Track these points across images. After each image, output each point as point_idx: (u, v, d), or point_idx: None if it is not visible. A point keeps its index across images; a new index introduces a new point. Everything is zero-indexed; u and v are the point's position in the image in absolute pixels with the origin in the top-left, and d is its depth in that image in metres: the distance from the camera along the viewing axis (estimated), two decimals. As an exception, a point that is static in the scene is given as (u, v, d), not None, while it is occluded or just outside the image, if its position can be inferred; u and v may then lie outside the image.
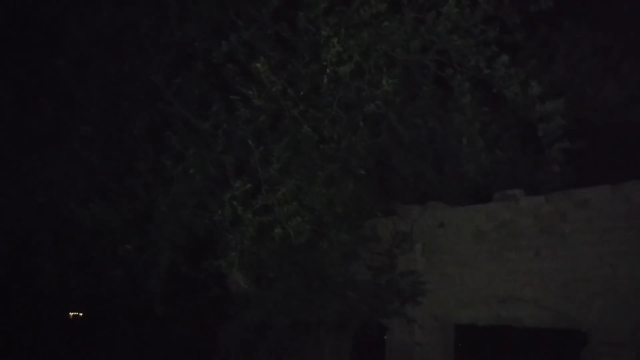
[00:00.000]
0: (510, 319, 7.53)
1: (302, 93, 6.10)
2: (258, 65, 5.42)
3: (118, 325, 8.64)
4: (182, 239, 5.68)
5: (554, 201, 7.34)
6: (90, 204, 5.05)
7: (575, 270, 6.95)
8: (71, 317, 10.92)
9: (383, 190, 8.52)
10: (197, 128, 6.10)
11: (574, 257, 6.99)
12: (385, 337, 8.88)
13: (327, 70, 5.36)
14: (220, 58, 6.02)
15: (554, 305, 7.04)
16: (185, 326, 6.48)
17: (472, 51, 6.11)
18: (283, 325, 6.69)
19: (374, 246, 8.15)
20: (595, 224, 6.96)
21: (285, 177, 5.74)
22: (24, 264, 5.32)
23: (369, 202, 7.79)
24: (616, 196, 6.84)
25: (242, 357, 9.74)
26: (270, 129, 6.13)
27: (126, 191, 5.61)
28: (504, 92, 6.11)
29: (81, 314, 10.75)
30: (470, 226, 8.28)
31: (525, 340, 7.58)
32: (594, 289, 6.80)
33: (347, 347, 9.31)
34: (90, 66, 6.70)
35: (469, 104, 6.17)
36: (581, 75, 7.17)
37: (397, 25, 5.85)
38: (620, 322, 6.55)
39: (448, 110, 7.05)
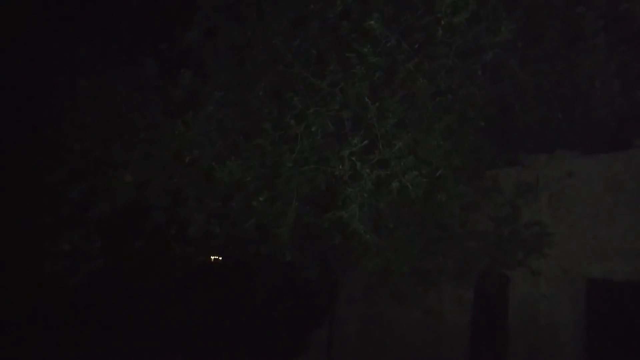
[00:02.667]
0: (649, 275, 7.04)
1: (416, 46, 6.08)
2: (372, 22, 5.51)
3: (251, 269, 9.61)
4: (306, 192, 6.14)
5: None
6: (226, 161, 5.69)
7: None
8: (212, 260, 12.23)
9: (505, 140, 8.23)
10: (316, 87, 6.41)
11: None
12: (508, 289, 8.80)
13: (442, 22, 5.28)
14: (336, 17, 6.19)
15: (703, 261, 6.42)
16: (311, 271, 7.08)
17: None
18: (403, 272, 6.98)
19: (496, 197, 8.00)
20: None
21: (402, 131, 5.86)
22: (177, 215, 6.23)
23: (490, 153, 7.61)
24: None
25: (364, 302, 10.35)
26: (385, 84, 6.23)
27: (255, 149, 6.17)
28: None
29: (220, 259, 11.98)
30: (604, 176, 7.70)
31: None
32: None
33: (468, 297, 9.40)
34: (218, 35, 7.28)
35: (603, 44, 5.66)
36: None
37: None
38: None
39: (578, 51, 6.54)
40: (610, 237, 7.51)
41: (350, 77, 6.21)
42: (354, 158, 5.38)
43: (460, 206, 7.19)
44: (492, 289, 8.68)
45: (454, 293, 8.94)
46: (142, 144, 6.19)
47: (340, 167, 5.51)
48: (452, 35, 5.71)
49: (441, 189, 6.13)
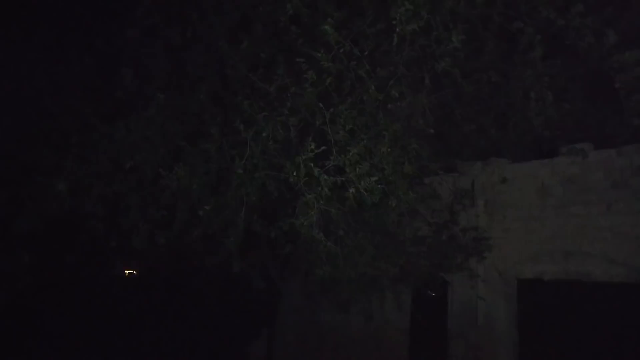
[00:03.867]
0: (578, 273, 7.52)
1: (366, 53, 6.09)
2: (327, 27, 5.44)
3: (192, 280, 9.16)
4: (255, 200, 5.92)
5: (627, 154, 7.14)
6: (175, 168, 5.34)
7: (649, 224, 6.84)
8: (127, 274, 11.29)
9: (443, 147, 8.49)
10: (264, 91, 6.23)
11: (647, 210, 6.86)
12: (447, 292, 9.08)
13: (397, 29, 5.32)
14: (286, 21, 6.06)
15: (627, 259, 6.97)
16: (257, 280, 6.83)
17: (542, 2, 5.90)
18: (352, 279, 6.94)
19: (434, 203, 8.22)
20: (671, 176, 6.78)
21: (354, 138, 5.83)
22: (117, 225, 5.73)
23: (430, 160, 7.80)
24: (695, 147, 6.61)
25: (305, 312, 10.21)
26: (335, 90, 6.18)
27: (201, 155, 5.87)
28: (577, 44, 5.90)
29: (135, 272, 11.11)
30: (534, 181, 8.19)
31: (592, 296, 7.55)
32: (668, 242, 6.70)
33: (408, 301, 9.57)
34: (158, 35, 6.89)
35: (539, 57, 6.00)
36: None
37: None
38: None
39: (514, 64, 6.89)
40: (540, 240, 7.97)
41: (300, 82, 6.09)
42: (311, 164, 5.25)
43: (402, 212, 7.30)
44: (432, 293, 8.91)
45: (395, 298, 9.06)
46: (76, 148, 5.65)
47: (295, 173, 5.36)
48: (402, 44, 5.78)
49: (391, 196, 6.15)
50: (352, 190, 5.37)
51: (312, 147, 5.31)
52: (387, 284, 8.07)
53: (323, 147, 5.38)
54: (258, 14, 6.80)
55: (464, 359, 8.54)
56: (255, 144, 5.88)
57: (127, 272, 10.52)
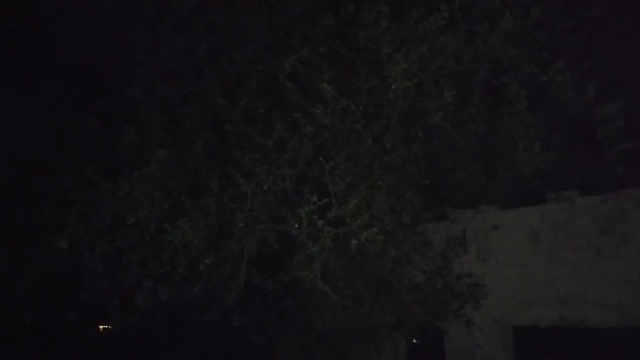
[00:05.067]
0: (573, 319, 7.60)
1: (361, 107, 6.34)
2: (325, 85, 5.68)
3: (187, 332, 8.94)
4: (253, 253, 5.95)
5: (612, 200, 7.41)
6: (177, 223, 5.37)
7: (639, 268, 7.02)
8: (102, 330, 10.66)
9: (434, 196, 8.68)
10: (262, 145, 6.38)
11: (637, 255, 7.05)
12: (444, 341, 9.04)
13: (393, 87, 5.59)
14: (284, 78, 6.30)
15: (620, 304, 7.10)
16: (255, 336, 6.74)
17: (525, 59, 6.27)
18: (350, 329, 6.91)
19: (428, 251, 8.32)
20: (656, 221, 7.05)
21: (353, 189, 5.97)
22: (120, 281, 5.67)
23: (422, 208, 7.96)
24: (677, 193, 6.91)
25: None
26: (332, 143, 6.38)
27: (201, 209, 5.92)
28: (559, 97, 6.24)
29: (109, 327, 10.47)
30: (524, 228, 8.39)
31: (588, 341, 7.62)
32: (659, 286, 6.87)
33: (403, 350, 9.49)
34: (156, 92, 7.08)
35: (524, 109, 6.32)
36: (631, 73, 7.23)
37: (452, 37, 6.05)
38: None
39: (500, 115, 7.21)
40: (534, 285, 8.08)
41: (297, 136, 6.27)
42: (315, 216, 5.35)
43: (396, 261, 7.37)
44: (425, 342, 8.87)
45: (391, 348, 8.99)
46: (78, 205, 5.66)
47: (297, 225, 5.44)
48: (396, 99, 6.04)
49: (390, 245, 6.25)
50: (354, 241, 5.45)
51: (315, 199, 5.42)
52: (384, 334, 8.03)
53: (325, 200, 5.49)
54: (254, 71, 7.06)
55: (464, 409, 8.44)
56: (255, 196, 5.97)
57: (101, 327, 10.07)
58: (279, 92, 6.80)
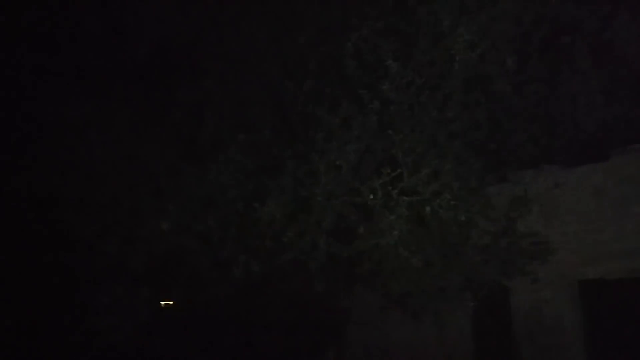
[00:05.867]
0: (640, 271, 7.74)
1: (423, 79, 6.58)
2: (390, 61, 5.96)
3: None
4: (331, 225, 6.41)
5: (680, 151, 7.39)
6: (265, 201, 5.88)
7: None
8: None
9: (496, 159, 8.85)
10: (331, 124, 6.74)
11: None
12: (509, 299, 9.33)
13: (457, 58, 5.80)
14: (347, 57, 6.60)
15: (688, 253, 7.18)
16: (336, 298, 7.26)
17: (586, 16, 6.31)
18: (424, 291, 7.34)
19: (492, 213, 8.56)
20: None
21: (421, 159, 6.29)
22: (220, 256, 6.28)
23: (485, 172, 8.17)
24: None
25: (372, 326, 10.58)
26: (398, 116, 6.67)
27: (281, 187, 6.40)
28: (625, 52, 6.27)
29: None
30: (589, 184, 8.45)
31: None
32: None
33: (471, 309, 9.87)
34: (224, 81, 7.53)
35: (588, 67, 6.40)
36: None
37: (510, 2, 6.16)
38: None
39: (560, 73, 7.27)
40: (600, 241, 8.20)
41: (363, 112, 6.60)
42: (389, 187, 5.72)
43: (462, 224, 7.67)
44: (496, 299, 9.19)
45: (460, 306, 9.37)
46: (171, 191, 6.26)
47: (372, 196, 5.83)
48: (458, 68, 6.24)
49: (461, 210, 6.56)
50: (428, 208, 5.81)
51: (389, 171, 5.78)
52: (454, 294, 8.41)
53: (399, 170, 5.84)
54: (316, 52, 7.38)
55: (533, 361, 8.78)
56: (329, 172, 6.38)
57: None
58: (343, 71, 7.11)
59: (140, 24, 7.46)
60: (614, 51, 6.29)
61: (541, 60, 7.34)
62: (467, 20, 5.86)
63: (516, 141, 8.28)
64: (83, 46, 7.04)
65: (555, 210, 8.77)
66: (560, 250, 8.58)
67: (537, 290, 8.79)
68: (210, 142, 6.46)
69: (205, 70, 7.14)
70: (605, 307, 8.32)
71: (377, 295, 9.02)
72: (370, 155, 6.45)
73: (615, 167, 8.04)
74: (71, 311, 6.52)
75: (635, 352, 7.91)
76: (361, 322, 10.11)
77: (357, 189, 6.15)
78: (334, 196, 6.28)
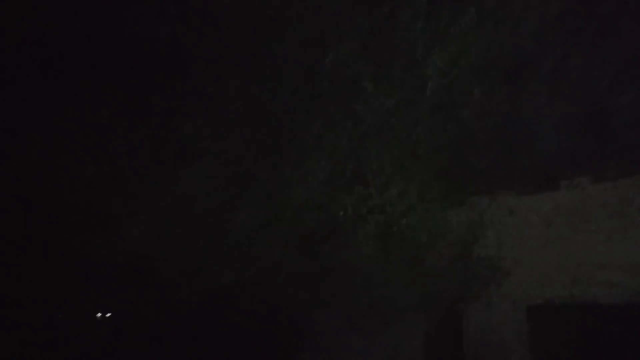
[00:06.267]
0: (583, 298, 8.22)
1: (394, 102, 6.86)
2: (367, 83, 6.19)
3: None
4: (301, 239, 6.49)
5: (621, 188, 7.99)
6: (237, 212, 5.88)
7: (647, 250, 7.65)
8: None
9: (455, 183, 9.24)
10: (303, 139, 6.88)
11: (644, 239, 7.68)
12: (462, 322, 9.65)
13: (429, 84, 6.11)
14: (323, 75, 6.80)
15: (627, 284, 7.72)
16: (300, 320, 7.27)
17: (545, 55, 6.81)
18: (382, 312, 7.50)
19: (449, 236, 8.91)
20: (663, 206, 7.67)
21: (389, 179, 6.52)
22: (191, 264, 6.17)
23: (445, 196, 8.51)
24: (682, 180, 7.53)
25: (333, 343, 10.59)
26: (369, 136, 6.89)
27: (253, 199, 6.43)
28: (575, 90, 6.80)
29: None
30: (539, 213, 8.98)
31: (596, 319, 8.25)
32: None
33: (424, 331, 10.11)
34: (201, 89, 7.53)
35: (545, 104, 6.87)
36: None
37: (478, 37, 6.57)
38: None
39: (519, 107, 7.76)
40: (548, 267, 8.69)
41: (336, 131, 6.78)
42: (360, 205, 5.89)
43: (420, 246, 7.95)
44: (448, 322, 9.48)
45: (416, 329, 9.59)
46: (141, 195, 6.15)
47: (342, 213, 5.97)
48: (429, 95, 6.56)
49: (421, 231, 6.82)
50: (395, 228, 6.01)
51: (361, 188, 5.96)
52: (410, 316, 8.64)
53: (371, 189, 6.03)
54: (292, 66, 7.52)
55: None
56: (301, 186, 6.49)
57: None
58: (318, 87, 7.28)
59: (115, 25, 7.36)
60: (569, 89, 6.82)
61: (502, 92, 7.81)
62: (439, 50, 6.19)
63: (475, 167, 8.69)
64: (54, 46, 6.86)
65: (509, 236, 9.22)
66: (512, 276, 9.02)
67: (488, 314, 9.16)
68: (183, 149, 6.41)
69: (181, 75, 7.11)
70: (551, 331, 8.76)
71: (333, 317, 9.12)
72: (341, 172, 6.61)
73: (564, 197, 8.59)
74: (38, 317, 6.19)
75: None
76: (316, 344, 10.12)
77: (328, 205, 6.28)
78: (305, 210, 6.36)
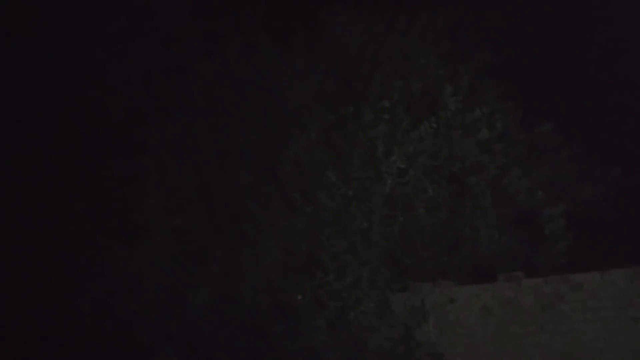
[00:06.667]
0: (518, 387, 8.61)
1: (350, 192, 7.29)
2: (329, 173, 6.61)
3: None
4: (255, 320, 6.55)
5: (552, 283, 8.67)
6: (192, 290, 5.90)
7: (575, 342, 8.23)
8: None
9: (397, 270, 9.65)
10: (261, 219, 7.10)
11: (572, 331, 8.26)
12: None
13: (389, 181, 6.63)
14: (287, 162, 7.18)
15: (558, 373, 8.21)
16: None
17: (491, 164, 7.59)
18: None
19: (391, 320, 9.18)
20: (588, 303, 8.37)
21: (345, 265, 6.81)
22: (142, 341, 5.97)
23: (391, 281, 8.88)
24: (604, 280, 8.32)
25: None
26: (327, 223, 7.24)
27: (208, 277, 6.49)
28: (515, 197, 7.56)
29: None
30: (477, 303, 9.47)
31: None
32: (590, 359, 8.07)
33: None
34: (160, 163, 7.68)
35: (489, 205, 7.56)
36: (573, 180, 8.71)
37: (434, 141, 7.26)
38: (613, 388, 7.80)
39: (464, 205, 8.43)
40: (484, 355, 9.07)
41: (297, 214, 7.08)
42: (320, 290, 6.09)
43: (367, 329, 8.16)
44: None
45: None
46: (94, 269, 6.04)
47: (300, 297, 6.15)
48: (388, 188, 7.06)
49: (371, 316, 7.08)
50: (352, 314, 6.24)
51: (321, 274, 6.19)
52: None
53: (331, 277, 6.27)
54: (254, 151, 7.89)
55: None
56: (257, 266, 6.64)
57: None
58: (279, 172, 7.64)
59: (84, 90, 7.52)
60: (507, 195, 7.58)
61: (451, 192, 8.47)
62: (398, 149, 6.77)
63: (421, 256, 9.18)
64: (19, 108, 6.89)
65: (448, 323, 9.61)
66: (451, 361, 9.32)
67: (428, 401, 9.31)
68: (140, 224, 6.44)
69: (142, 148, 7.28)
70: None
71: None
72: (297, 255, 6.85)
73: (500, 289, 9.16)
74: None
75: None
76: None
77: (285, 288, 6.43)
78: (260, 292, 6.47)
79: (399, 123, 6.89)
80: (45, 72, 7.11)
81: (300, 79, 7.79)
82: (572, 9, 9.22)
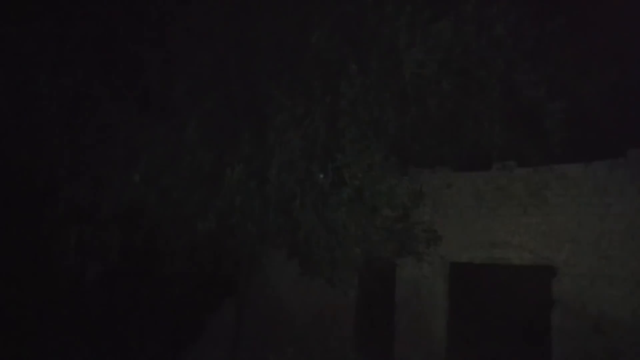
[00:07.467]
0: (500, 258, 9.94)
1: (370, 81, 7.73)
2: (353, 65, 7.00)
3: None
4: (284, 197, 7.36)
5: (540, 173, 9.62)
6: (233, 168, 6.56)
7: (552, 223, 9.37)
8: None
9: (401, 156, 10.42)
10: (287, 107, 7.59)
11: (552, 214, 9.38)
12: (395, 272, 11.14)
13: (408, 71, 7.06)
14: (308, 56, 7.49)
15: (535, 248, 9.47)
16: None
17: (501, 59, 7.99)
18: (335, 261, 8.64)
19: (392, 201, 10.15)
20: (569, 191, 9.38)
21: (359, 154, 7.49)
22: (183, 211, 6.75)
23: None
24: (587, 171, 9.24)
25: (278, 280, 11.63)
26: (347, 111, 7.76)
27: (241, 158, 7.14)
28: (521, 92, 8.08)
29: None
30: (471, 188, 10.47)
31: (510, 276, 10.02)
32: (564, 237, 9.28)
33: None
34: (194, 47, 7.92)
35: (496, 98, 8.10)
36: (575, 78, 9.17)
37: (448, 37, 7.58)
38: (581, 260, 9.09)
39: (470, 98, 8.95)
40: (474, 232, 10.29)
41: (319, 105, 7.58)
42: (340, 172, 6.83)
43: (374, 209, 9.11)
44: (384, 270, 10.90)
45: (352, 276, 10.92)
46: (143, 144, 6.60)
47: (322, 176, 6.89)
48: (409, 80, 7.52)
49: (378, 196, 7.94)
50: (368, 193, 7.04)
51: (342, 156, 6.89)
52: (356, 264, 9.88)
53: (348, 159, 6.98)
54: (278, 48, 8.10)
55: (408, 324, 10.70)
56: (285, 149, 7.28)
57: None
58: (300, 67, 7.95)
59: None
60: (514, 90, 8.06)
61: (462, 86, 8.93)
62: (419, 42, 7.12)
63: (425, 144, 9.90)
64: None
65: (443, 205, 10.69)
66: (443, 238, 10.51)
67: (418, 267, 10.67)
68: (181, 100, 6.91)
69: (173, 34, 7.49)
70: (468, 284, 10.47)
71: (288, 262, 10.18)
72: (319, 142, 7.47)
73: (494, 177, 10.12)
74: (38, 250, 6.51)
75: (487, 318, 10.16)
76: (264, 279, 11.20)
77: (308, 169, 7.15)
78: (288, 172, 7.19)
79: (419, 14, 7.13)
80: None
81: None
82: None
